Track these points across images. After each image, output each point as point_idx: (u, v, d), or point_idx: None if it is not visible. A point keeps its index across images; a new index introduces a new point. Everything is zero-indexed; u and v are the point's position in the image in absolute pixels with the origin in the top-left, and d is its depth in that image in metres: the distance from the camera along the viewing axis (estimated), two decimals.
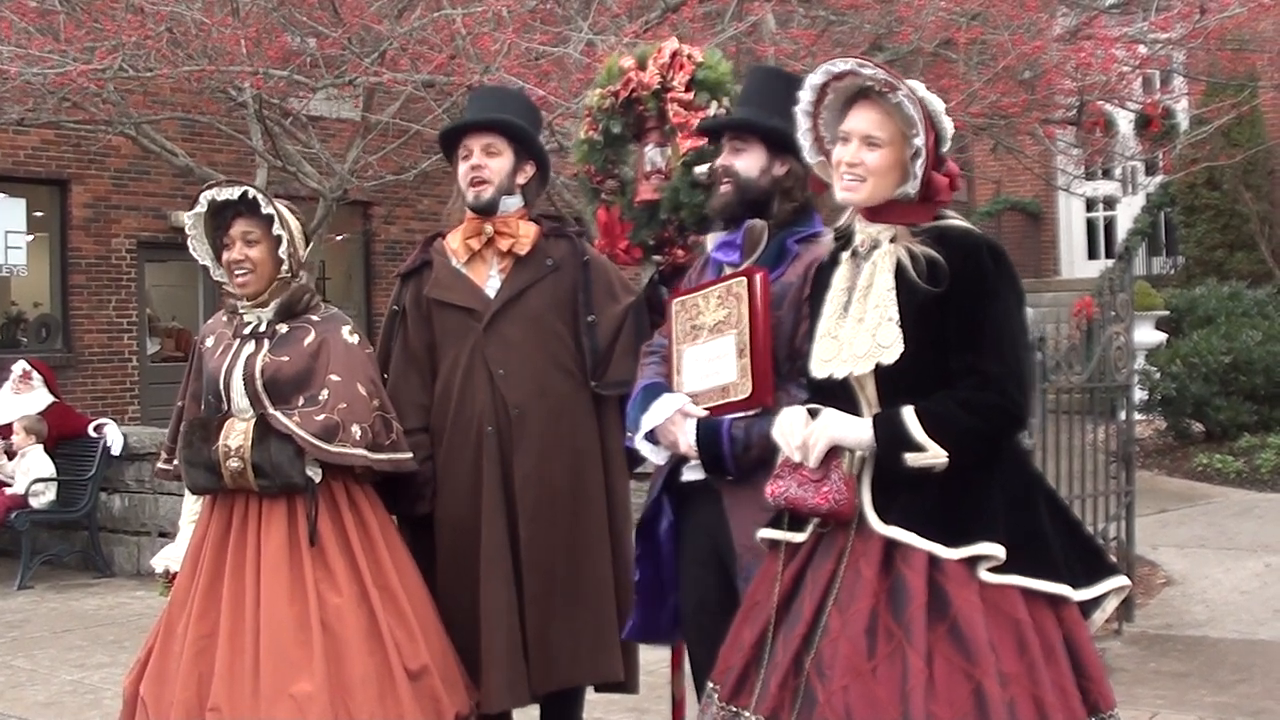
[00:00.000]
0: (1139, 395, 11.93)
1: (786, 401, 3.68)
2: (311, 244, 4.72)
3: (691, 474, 3.97)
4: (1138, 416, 10.13)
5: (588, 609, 4.59)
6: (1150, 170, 17.29)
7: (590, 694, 4.90)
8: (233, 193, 4.49)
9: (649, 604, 4.17)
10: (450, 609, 4.54)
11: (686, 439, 3.87)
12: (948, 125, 3.35)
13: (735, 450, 3.81)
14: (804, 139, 3.47)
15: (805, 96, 3.43)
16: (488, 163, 4.62)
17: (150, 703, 4.30)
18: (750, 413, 3.76)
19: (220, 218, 4.53)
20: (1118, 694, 3.52)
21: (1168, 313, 15.09)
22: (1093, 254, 20.29)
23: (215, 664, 4.23)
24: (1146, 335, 14.12)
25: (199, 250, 4.61)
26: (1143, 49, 12.31)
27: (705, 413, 3.87)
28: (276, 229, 4.48)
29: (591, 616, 4.60)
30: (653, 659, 4.95)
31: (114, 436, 10.75)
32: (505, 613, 4.50)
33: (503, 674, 4.49)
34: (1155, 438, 13.80)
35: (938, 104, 3.34)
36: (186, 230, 4.60)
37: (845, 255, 3.44)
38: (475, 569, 4.53)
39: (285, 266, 4.52)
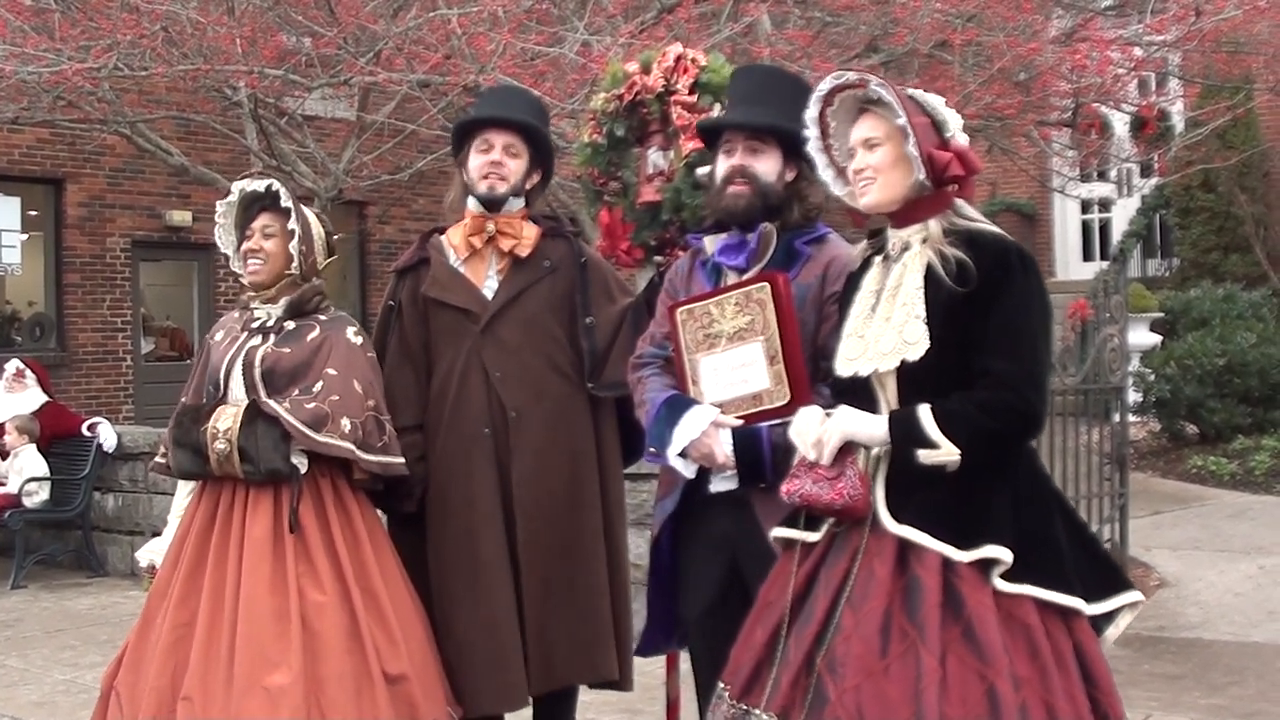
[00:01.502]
0: (1133, 397, 11.94)
1: (819, 403, 3.63)
2: (335, 255, 4.74)
3: (723, 484, 3.92)
4: (1132, 418, 10.15)
5: (584, 609, 4.59)
6: (1145, 172, 17.29)
7: (584, 695, 4.90)
8: (260, 185, 4.57)
9: (656, 616, 4.17)
10: (447, 612, 4.53)
11: (723, 450, 3.82)
12: (946, 114, 3.39)
13: (777, 458, 3.75)
14: (824, 174, 3.54)
15: (811, 134, 3.50)
16: (508, 161, 4.61)
17: (124, 692, 4.29)
18: (789, 418, 3.67)
19: (249, 210, 4.61)
20: None
21: (1162, 315, 15.12)
22: (1088, 256, 20.31)
23: (191, 652, 4.21)
24: (1141, 337, 14.15)
25: (224, 240, 4.68)
26: (1138, 51, 12.33)
27: (739, 422, 3.82)
28: (292, 224, 4.52)
29: (588, 616, 4.59)
30: (647, 659, 4.94)
31: (107, 435, 10.72)
32: (506, 615, 4.49)
33: (505, 675, 4.48)
34: (1149, 440, 13.82)
35: (931, 97, 3.40)
36: (216, 219, 4.68)
37: (878, 260, 3.47)
38: (473, 572, 4.51)
39: (295, 264, 4.55)
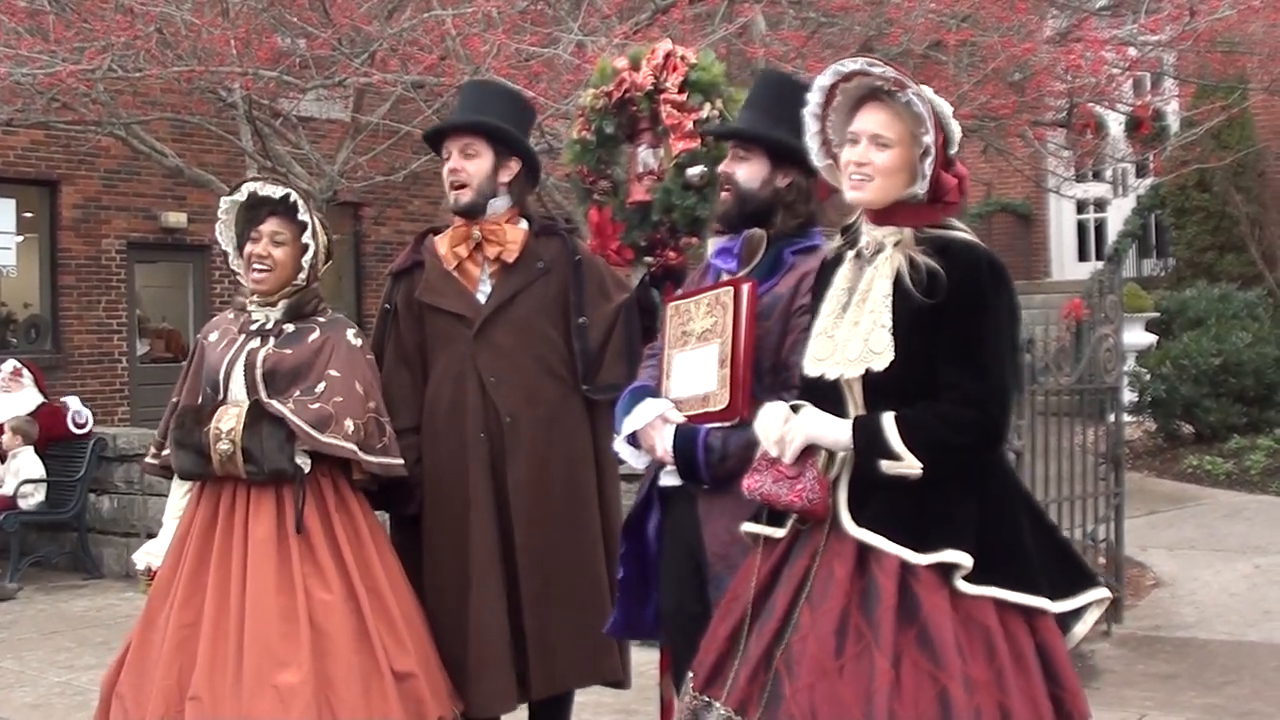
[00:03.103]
0: (1128, 397, 11.95)
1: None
2: (331, 259, 4.73)
3: (669, 479, 3.98)
4: (1127, 418, 10.16)
5: (585, 611, 4.58)
6: (1140, 172, 17.32)
7: (580, 695, 4.90)
8: (275, 191, 4.53)
9: (632, 600, 4.18)
10: (438, 614, 4.53)
11: (664, 444, 3.88)
12: (956, 129, 3.34)
13: (710, 460, 3.81)
14: (811, 142, 3.46)
15: (813, 99, 3.41)
16: (465, 165, 4.57)
17: (128, 695, 4.28)
18: (727, 424, 3.77)
19: (255, 211, 4.55)
20: (1106, 695, 3.53)
21: (1158, 314, 15.13)
22: (1083, 256, 20.31)
23: (198, 652, 4.21)
24: (1136, 337, 14.15)
25: (224, 236, 4.62)
26: (1132, 51, 12.33)
27: (683, 419, 3.87)
28: (307, 238, 4.51)
29: (589, 619, 4.58)
30: (641, 660, 4.94)
31: (77, 408, 10.77)
32: (496, 620, 4.49)
33: (495, 680, 4.48)
34: (1145, 439, 13.82)
35: (946, 107, 3.33)
36: (219, 214, 4.62)
37: (850, 255, 3.43)
38: (464, 576, 4.51)
39: (304, 275, 4.54)
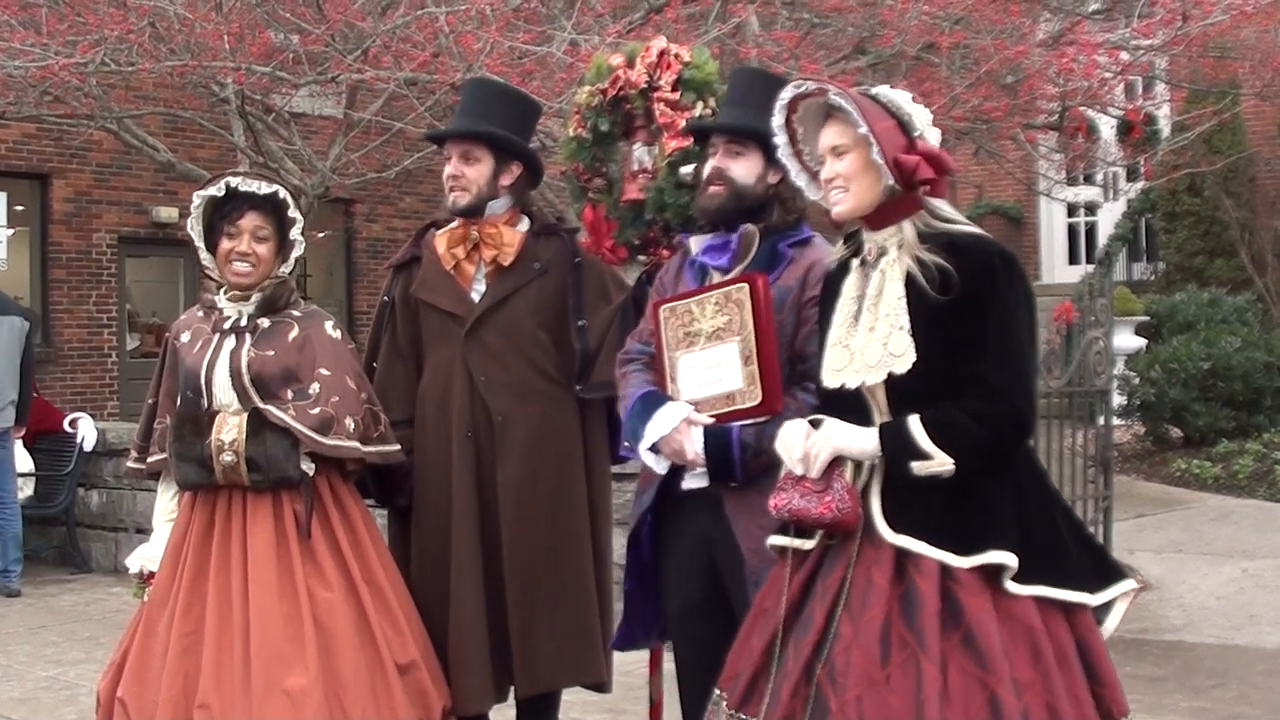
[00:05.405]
0: (1118, 400, 11.97)
1: (793, 406, 3.70)
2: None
3: (694, 482, 3.95)
4: (1116, 421, 10.18)
5: (571, 611, 4.58)
6: (1132, 176, 17.33)
7: (567, 694, 4.89)
8: (259, 188, 4.42)
9: (636, 613, 4.18)
10: (422, 610, 4.52)
11: (694, 447, 3.85)
12: (913, 110, 3.37)
13: (746, 457, 3.79)
14: (790, 164, 3.53)
15: (780, 139, 3.50)
16: (465, 170, 4.58)
17: (130, 703, 4.24)
18: (761, 419, 3.75)
19: (230, 205, 4.42)
20: None
21: (1147, 318, 15.17)
22: (1074, 259, 20.36)
23: (202, 660, 4.18)
24: (1126, 340, 14.19)
25: (195, 229, 4.51)
26: (1125, 55, 12.36)
27: (710, 420, 3.85)
28: (295, 234, 4.46)
29: (575, 619, 4.58)
30: (630, 660, 4.94)
31: (87, 431, 10.67)
32: (476, 618, 4.49)
33: (473, 678, 4.48)
34: (1134, 443, 13.85)
35: (897, 95, 3.38)
36: (191, 207, 4.50)
37: (855, 263, 3.44)
38: (446, 572, 4.51)
39: (288, 269, 4.50)
